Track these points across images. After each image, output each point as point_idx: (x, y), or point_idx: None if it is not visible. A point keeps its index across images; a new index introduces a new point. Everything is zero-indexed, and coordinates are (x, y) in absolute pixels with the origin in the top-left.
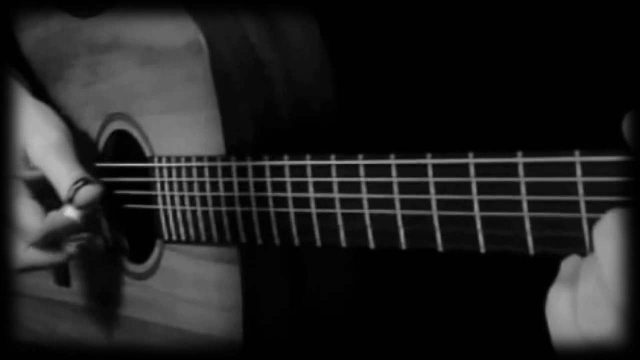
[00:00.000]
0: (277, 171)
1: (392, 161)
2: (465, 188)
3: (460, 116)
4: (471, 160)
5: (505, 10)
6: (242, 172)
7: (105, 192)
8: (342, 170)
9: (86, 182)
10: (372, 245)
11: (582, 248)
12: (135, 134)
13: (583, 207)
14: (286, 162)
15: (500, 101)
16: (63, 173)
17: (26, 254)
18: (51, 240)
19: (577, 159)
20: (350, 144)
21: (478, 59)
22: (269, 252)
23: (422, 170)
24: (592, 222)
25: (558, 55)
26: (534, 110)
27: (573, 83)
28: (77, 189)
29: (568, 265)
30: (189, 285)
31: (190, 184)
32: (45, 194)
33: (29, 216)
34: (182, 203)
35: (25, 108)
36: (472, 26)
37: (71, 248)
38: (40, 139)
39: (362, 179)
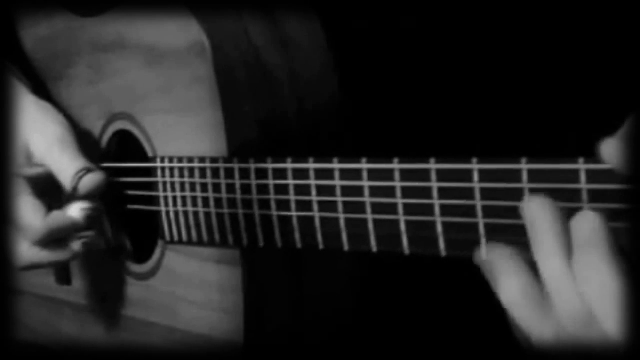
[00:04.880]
0: (280, 174)
1: (396, 165)
2: (469, 193)
3: (464, 116)
4: (475, 166)
5: (508, 9)
6: (244, 174)
7: (108, 180)
8: (345, 174)
9: (89, 171)
10: (374, 249)
11: None
12: (138, 134)
13: None
14: (289, 165)
15: (503, 102)
16: (66, 164)
17: (29, 252)
18: (53, 239)
19: (582, 166)
20: (354, 144)
21: (483, 57)
22: (270, 253)
23: (425, 175)
24: None
25: (563, 51)
26: (538, 108)
27: (577, 80)
28: (80, 178)
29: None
30: (190, 286)
31: (193, 185)
32: (48, 192)
33: (31, 214)
34: (184, 204)
35: (25, 105)
36: (477, 24)
37: (76, 246)
38: (42, 133)
39: (365, 183)
